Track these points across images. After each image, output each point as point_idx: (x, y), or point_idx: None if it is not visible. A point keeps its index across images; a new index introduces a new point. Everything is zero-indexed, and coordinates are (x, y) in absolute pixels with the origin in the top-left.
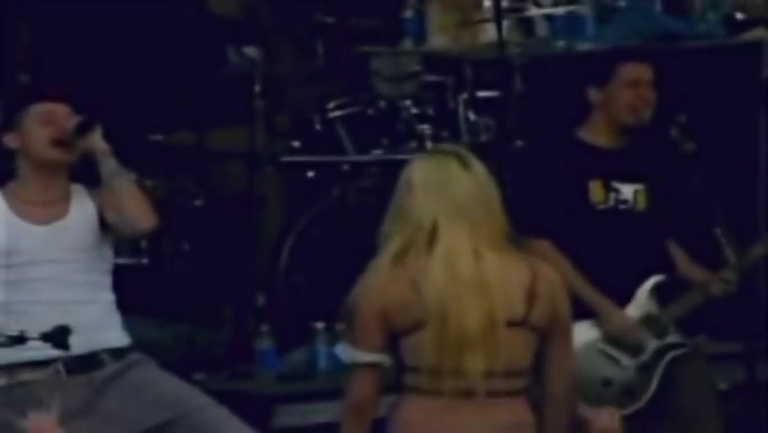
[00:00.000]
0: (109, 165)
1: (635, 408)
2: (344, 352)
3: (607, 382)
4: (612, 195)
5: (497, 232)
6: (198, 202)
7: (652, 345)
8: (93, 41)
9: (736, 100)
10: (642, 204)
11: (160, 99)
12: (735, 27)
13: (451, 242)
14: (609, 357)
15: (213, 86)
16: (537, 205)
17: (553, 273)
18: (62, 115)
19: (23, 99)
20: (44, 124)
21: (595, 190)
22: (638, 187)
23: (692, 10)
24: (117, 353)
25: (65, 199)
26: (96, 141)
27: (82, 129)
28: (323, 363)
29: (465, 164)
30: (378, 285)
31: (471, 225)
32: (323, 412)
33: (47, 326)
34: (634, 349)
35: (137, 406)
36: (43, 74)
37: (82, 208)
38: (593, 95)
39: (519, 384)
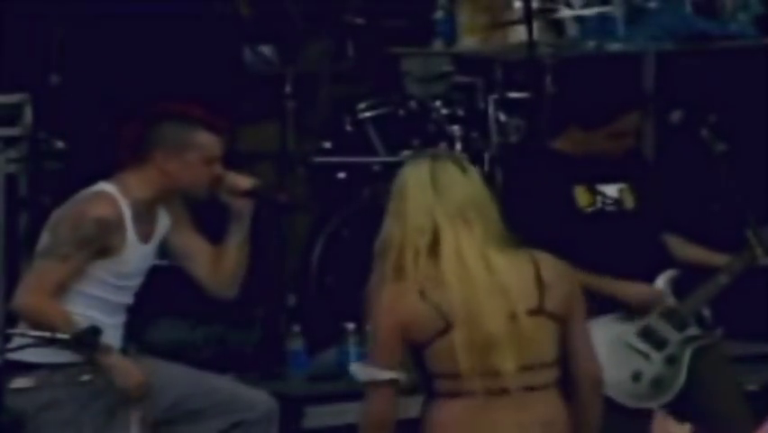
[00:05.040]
0: (244, 232)
1: (666, 400)
2: (361, 371)
3: (636, 376)
4: (598, 198)
5: (495, 233)
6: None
7: (675, 337)
8: (124, 42)
9: (767, 101)
10: (630, 202)
11: (191, 99)
12: (765, 27)
13: (456, 245)
14: (638, 351)
15: (244, 86)
16: (528, 214)
17: (553, 259)
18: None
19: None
20: (207, 163)
21: (581, 195)
22: (622, 186)
23: (723, 10)
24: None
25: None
26: (250, 207)
27: (251, 194)
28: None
29: (462, 168)
30: (390, 301)
31: (471, 227)
32: (353, 413)
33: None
34: (659, 343)
35: (161, 385)
36: (73, 75)
37: (164, 224)
38: (574, 131)
39: (551, 376)
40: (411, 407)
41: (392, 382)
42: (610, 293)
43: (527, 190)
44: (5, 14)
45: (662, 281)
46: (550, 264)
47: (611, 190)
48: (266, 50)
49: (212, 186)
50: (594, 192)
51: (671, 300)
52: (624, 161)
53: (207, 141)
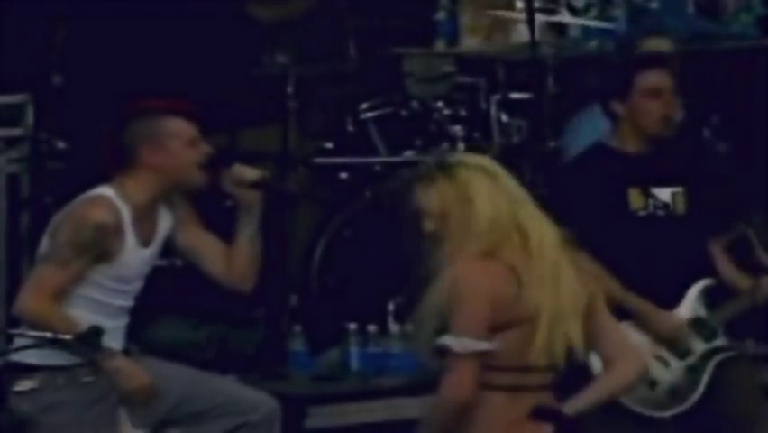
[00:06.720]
0: (255, 225)
1: (680, 410)
2: (456, 343)
3: (653, 383)
4: (650, 201)
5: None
6: (230, 203)
7: (700, 347)
8: (126, 42)
9: None
10: (681, 207)
11: (194, 101)
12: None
13: (543, 239)
14: (658, 358)
15: (245, 87)
16: (575, 214)
17: (584, 261)
18: (200, 135)
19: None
20: (191, 145)
21: (634, 197)
22: (676, 189)
23: (725, 11)
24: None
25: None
26: (259, 199)
27: (259, 185)
28: (355, 364)
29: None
30: (487, 274)
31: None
32: (355, 413)
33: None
34: (682, 352)
35: (164, 386)
36: (77, 75)
37: (165, 225)
38: (617, 108)
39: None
40: (411, 407)
41: (480, 355)
42: (635, 314)
43: (580, 190)
44: (6, 14)
45: (695, 291)
46: (581, 268)
47: (664, 194)
48: (281, 58)
49: (205, 167)
50: (647, 195)
51: (701, 310)
52: (679, 162)
53: (180, 125)
